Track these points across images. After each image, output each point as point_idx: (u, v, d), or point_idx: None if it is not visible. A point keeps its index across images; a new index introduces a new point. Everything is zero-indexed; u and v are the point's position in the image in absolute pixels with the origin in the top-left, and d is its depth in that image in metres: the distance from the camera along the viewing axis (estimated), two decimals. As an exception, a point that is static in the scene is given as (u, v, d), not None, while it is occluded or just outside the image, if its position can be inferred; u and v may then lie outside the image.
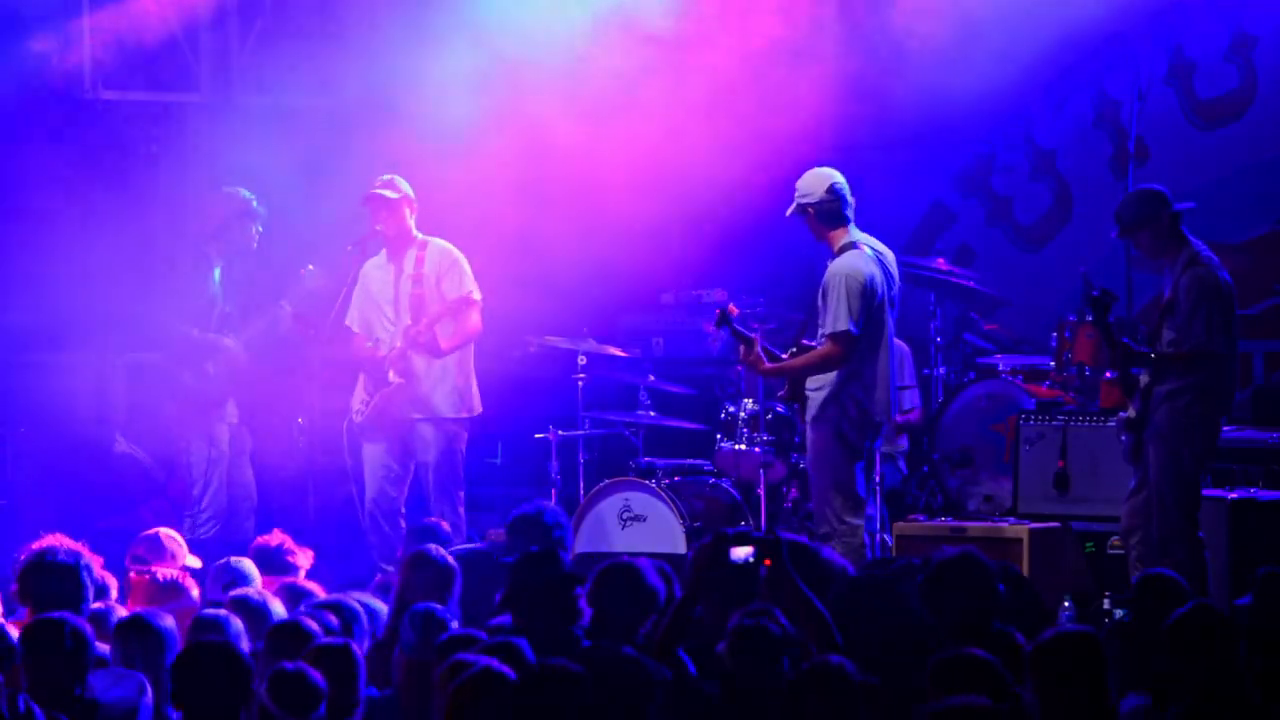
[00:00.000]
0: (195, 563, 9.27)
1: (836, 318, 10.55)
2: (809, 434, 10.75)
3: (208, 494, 11.89)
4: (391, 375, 11.53)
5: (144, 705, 6.91)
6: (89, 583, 7.67)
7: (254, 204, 12.00)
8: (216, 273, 11.98)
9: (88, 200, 13.61)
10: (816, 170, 10.84)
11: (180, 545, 9.36)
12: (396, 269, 11.69)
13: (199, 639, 6.90)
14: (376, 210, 11.64)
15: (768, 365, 10.76)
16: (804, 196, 10.73)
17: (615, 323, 14.13)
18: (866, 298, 10.55)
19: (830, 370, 10.60)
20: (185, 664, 6.42)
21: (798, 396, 10.76)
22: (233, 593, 8.05)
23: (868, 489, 10.66)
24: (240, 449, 12.09)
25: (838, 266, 10.65)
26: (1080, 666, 6.39)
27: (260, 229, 12.02)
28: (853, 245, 10.69)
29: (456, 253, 11.76)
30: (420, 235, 11.77)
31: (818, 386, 10.65)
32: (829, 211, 10.68)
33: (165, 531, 9.54)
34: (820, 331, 10.64)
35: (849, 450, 10.60)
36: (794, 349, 10.84)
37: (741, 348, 10.75)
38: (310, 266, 11.98)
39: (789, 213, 10.79)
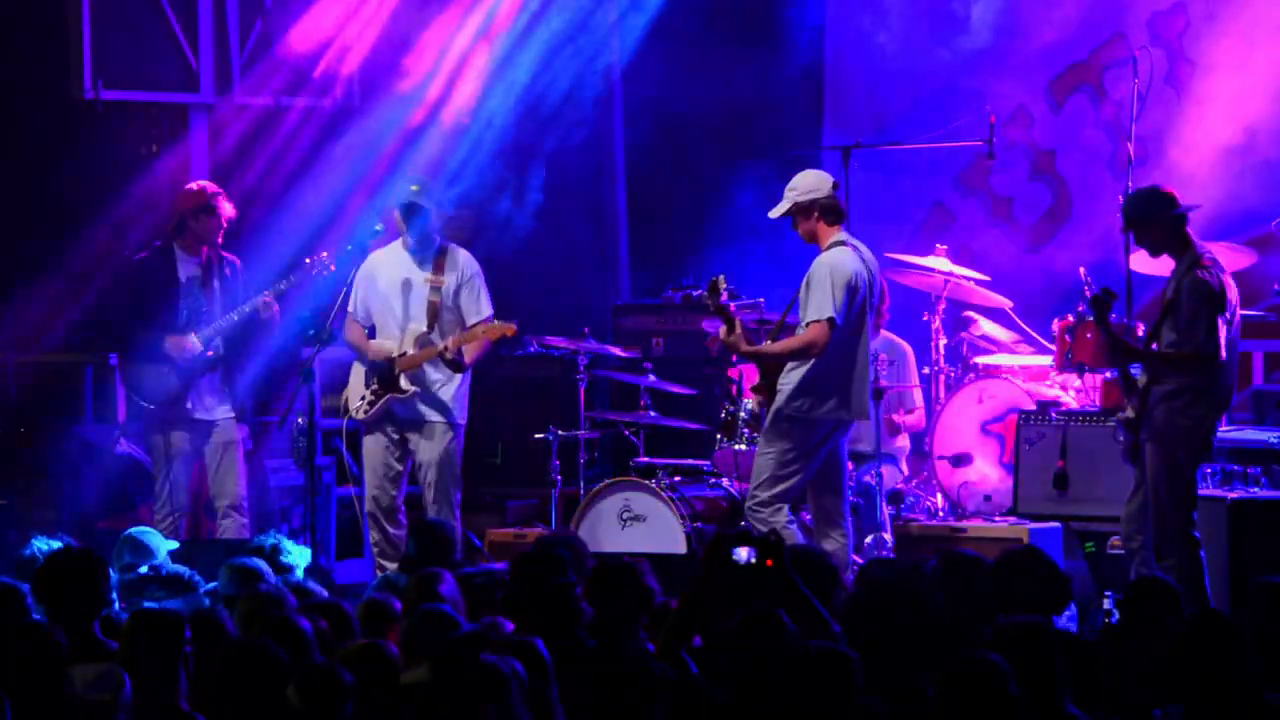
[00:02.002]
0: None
1: (820, 305, 10.58)
2: (769, 422, 10.75)
3: (164, 494, 11.71)
4: (404, 382, 11.48)
5: (121, 701, 6.89)
6: (107, 582, 7.66)
7: (210, 197, 11.67)
8: (185, 270, 11.76)
9: (88, 201, 13.60)
10: (813, 170, 10.90)
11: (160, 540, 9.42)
12: (409, 270, 11.60)
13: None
14: (403, 214, 11.55)
15: (746, 347, 10.78)
16: (810, 193, 10.74)
17: (615, 323, 14.13)
18: (850, 292, 10.60)
19: (808, 358, 10.61)
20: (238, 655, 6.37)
21: (770, 390, 10.76)
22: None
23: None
24: (218, 449, 11.74)
25: (826, 259, 10.69)
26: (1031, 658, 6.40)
27: (222, 222, 11.67)
28: (844, 243, 10.73)
29: (476, 265, 11.67)
30: (439, 239, 11.69)
31: (789, 379, 10.67)
32: (832, 207, 10.73)
33: (140, 529, 9.61)
34: (802, 321, 10.67)
35: (804, 440, 10.67)
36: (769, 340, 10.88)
37: (723, 327, 10.74)
38: (324, 254, 11.74)
39: (781, 213, 10.80)
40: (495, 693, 6.06)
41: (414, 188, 11.60)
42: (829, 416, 10.67)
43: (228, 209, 11.72)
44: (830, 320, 10.56)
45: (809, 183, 10.80)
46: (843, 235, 10.76)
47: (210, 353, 11.64)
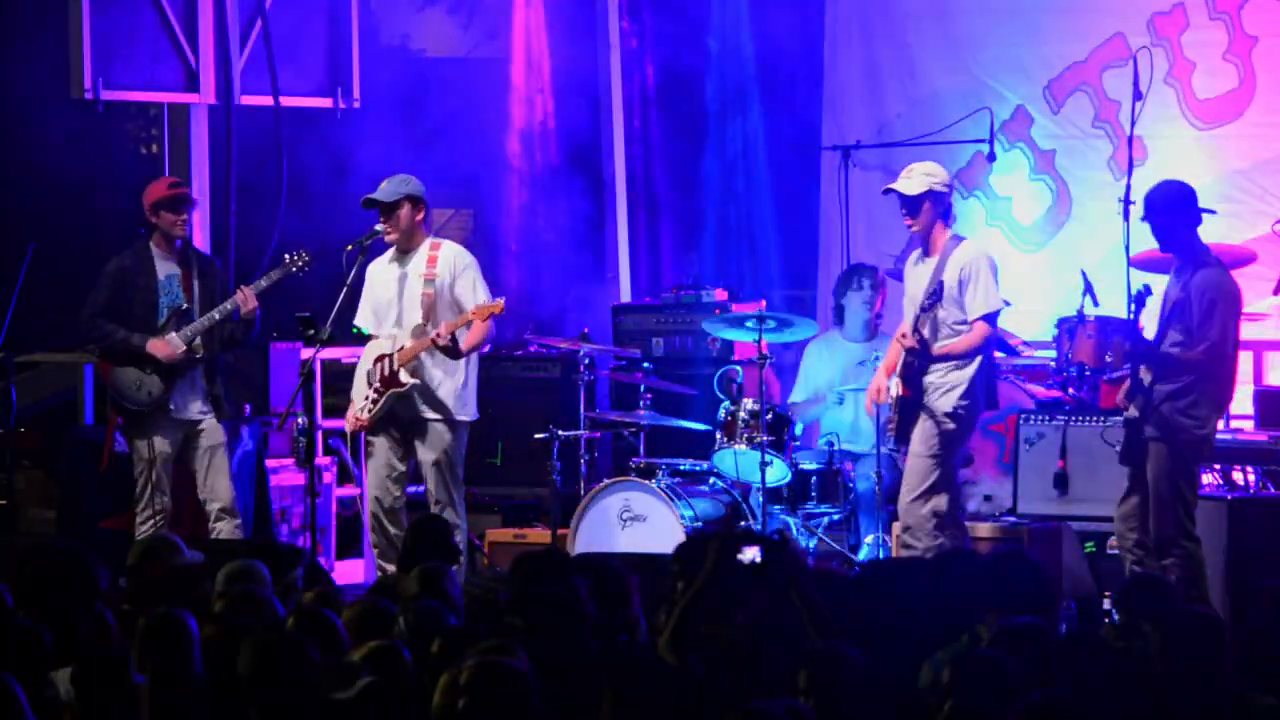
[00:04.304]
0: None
1: (989, 298, 10.67)
2: (947, 425, 10.70)
3: (144, 496, 11.63)
4: (404, 376, 11.43)
5: None
6: (98, 576, 7.64)
7: (166, 190, 11.60)
8: (164, 269, 11.68)
9: (88, 200, 13.61)
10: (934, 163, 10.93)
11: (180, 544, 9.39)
12: (405, 268, 11.58)
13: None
14: (380, 212, 11.53)
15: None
16: (948, 187, 10.79)
17: (615, 323, 14.13)
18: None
19: (980, 353, 10.66)
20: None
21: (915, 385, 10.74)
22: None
23: None
24: (205, 452, 11.64)
25: (980, 249, 10.77)
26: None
27: (183, 215, 11.53)
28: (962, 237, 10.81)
29: (470, 256, 11.64)
30: (431, 236, 11.66)
31: (951, 376, 10.67)
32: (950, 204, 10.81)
33: (164, 533, 9.55)
34: (970, 316, 10.68)
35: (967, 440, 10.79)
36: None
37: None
38: (299, 254, 11.67)
39: (918, 190, 10.72)
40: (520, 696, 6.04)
41: (384, 185, 11.58)
42: (979, 413, 10.79)
43: (188, 202, 11.63)
44: (1000, 312, 10.76)
45: (939, 173, 10.81)
46: (954, 231, 10.83)
47: (188, 351, 11.55)
